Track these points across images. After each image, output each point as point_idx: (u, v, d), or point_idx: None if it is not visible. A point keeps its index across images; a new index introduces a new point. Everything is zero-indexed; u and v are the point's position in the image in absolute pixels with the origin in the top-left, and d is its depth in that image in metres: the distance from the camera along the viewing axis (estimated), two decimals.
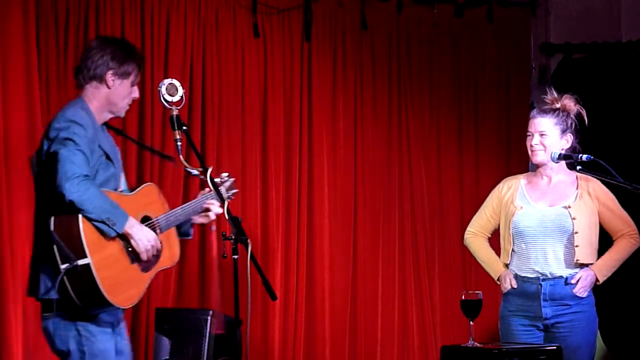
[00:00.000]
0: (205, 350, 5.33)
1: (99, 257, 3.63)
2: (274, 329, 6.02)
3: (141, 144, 4.74)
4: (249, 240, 3.60)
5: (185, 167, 3.93)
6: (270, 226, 6.07)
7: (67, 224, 3.62)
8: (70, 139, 3.68)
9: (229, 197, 4.07)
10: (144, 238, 3.71)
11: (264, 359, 6.02)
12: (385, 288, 6.43)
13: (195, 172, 3.93)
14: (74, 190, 3.59)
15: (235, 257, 3.62)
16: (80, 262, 3.59)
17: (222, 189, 4.04)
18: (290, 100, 6.21)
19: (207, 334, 5.35)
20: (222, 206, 3.86)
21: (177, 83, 3.89)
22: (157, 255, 3.80)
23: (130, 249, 3.73)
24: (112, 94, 3.86)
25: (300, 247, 6.17)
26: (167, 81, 3.89)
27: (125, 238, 3.71)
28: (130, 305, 3.77)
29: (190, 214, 3.98)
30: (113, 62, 3.84)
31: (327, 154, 6.28)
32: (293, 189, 6.16)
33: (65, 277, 3.59)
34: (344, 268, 6.32)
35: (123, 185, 3.94)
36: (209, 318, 5.37)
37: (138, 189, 3.89)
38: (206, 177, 3.79)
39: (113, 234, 3.66)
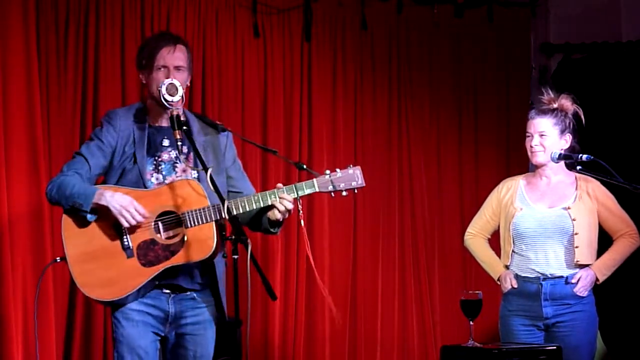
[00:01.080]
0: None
1: (79, 251, 3.79)
2: (274, 329, 6.02)
3: (245, 139, 4.71)
4: (249, 240, 3.60)
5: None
6: None
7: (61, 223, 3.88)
8: (82, 145, 3.99)
9: (349, 188, 3.95)
10: (115, 202, 3.76)
11: (264, 359, 6.02)
12: (385, 288, 6.44)
13: (308, 169, 4.01)
14: (47, 191, 3.90)
15: (235, 257, 3.62)
16: (59, 258, 3.86)
17: (329, 183, 3.92)
18: (290, 100, 6.22)
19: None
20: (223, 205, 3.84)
21: (177, 83, 3.90)
22: (172, 251, 3.80)
23: (126, 243, 3.79)
24: (149, 88, 3.98)
25: (300, 247, 6.16)
26: (167, 81, 3.89)
27: (121, 234, 3.79)
28: (114, 299, 3.81)
29: (246, 207, 3.85)
30: (137, 61, 4.03)
31: (327, 154, 6.29)
32: None
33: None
34: (344, 268, 6.32)
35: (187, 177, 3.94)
36: None
37: (166, 183, 3.89)
38: (206, 177, 3.78)
39: (89, 217, 3.77)
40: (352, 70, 6.43)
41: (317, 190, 3.92)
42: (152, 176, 3.92)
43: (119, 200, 3.77)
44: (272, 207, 3.89)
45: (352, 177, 3.95)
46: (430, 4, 6.64)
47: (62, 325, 5.37)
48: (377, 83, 6.52)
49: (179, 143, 3.84)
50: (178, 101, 3.89)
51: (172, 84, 3.88)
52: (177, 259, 3.81)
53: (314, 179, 3.92)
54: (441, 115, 6.73)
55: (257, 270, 3.59)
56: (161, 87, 3.87)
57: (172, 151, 3.95)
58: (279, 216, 3.90)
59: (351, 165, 3.98)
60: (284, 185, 3.92)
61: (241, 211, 3.85)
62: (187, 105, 5.73)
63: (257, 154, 6.05)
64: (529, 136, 4.69)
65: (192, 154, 3.92)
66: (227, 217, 3.69)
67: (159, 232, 3.84)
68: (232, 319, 3.77)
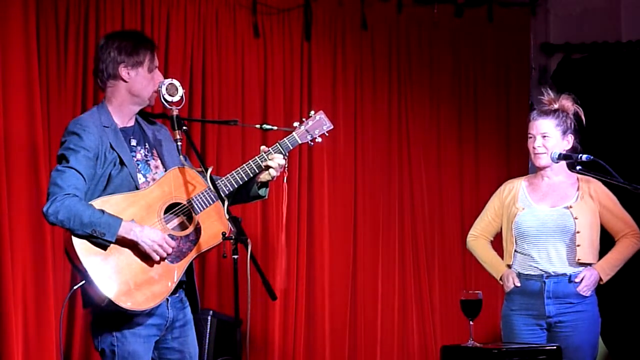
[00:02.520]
0: (205, 350, 5.33)
1: (100, 267, 3.65)
2: (274, 329, 6.02)
3: (203, 120, 4.67)
4: (249, 240, 3.59)
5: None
6: (270, 226, 6.07)
7: (68, 244, 3.70)
8: (63, 156, 3.75)
9: (322, 134, 4.06)
10: (147, 239, 3.68)
11: (264, 359, 6.02)
12: (385, 288, 6.44)
13: (271, 127, 4.07)
14: (50, 212, 3.68)
15: (235, 257, 3.62)
16: (77, 285, 3.70)
17: (306, 133, 4.02)
18: (290, 100, 6.21)
19: (207, 334, 5.35)
20: (223, 204, 3.82)
21: (177, 83, 3.89)
22: (192, 240, 3.78)
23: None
24: (131, 87, 3.87)
25: (300, 247, 6.17)
26: (167, 81, 3.89)
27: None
28: (154, 305, 3.72)
29: (243, 177, 3.90)
30: (122, 56, 3.86)
31: (327, 154, 6.28)
32: (293, 188, 6.15)
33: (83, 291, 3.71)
34: (344, 268, 6.32)
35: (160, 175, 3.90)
36: (209, 318, 5.38)
37: (159, 179, 3.85)
38: (206, 177, 3.78)
39: (107, 244, 3.65)
40: (352, 70, 6.43)
41: (299, 142, 4.04)
42: (138, 175, 3.86)
43: (150, 236, 3.68)
44: (260, 172, 3.96)
45: (321, 122, 4.08)
46: (430, 4, 6.65)
47: (62, 325, 5.36)
48: (377, 83, 6.52)
49: (179, 143, 3.83)
50: (178, 101, 3.88)
51: (172, 83, 3.87)
52: (202, 246, 3.80)
53: (294, 132, 4.03)
54: (441, 115, 6.74)
55: (257, 270, 3.59)
56: (161, 87, 3.86)
57: (141, 150, 3.90)
58: (273, 174, 3.96)
59: (313, 112, 4.09)
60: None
61: (241, 183, 3.89)
62: (187, 106, 5.76)
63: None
64: (531, 137, 4.68)
65: (154, 149, 3.91)
66: (227, 217, 3.68)
67: (172, 227, 3.80)
68: (232, 319, 3.76)
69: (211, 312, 5.42)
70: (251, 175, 3.93)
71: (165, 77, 3.96)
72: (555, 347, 4.38)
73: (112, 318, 3.75)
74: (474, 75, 6.85)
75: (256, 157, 3.94)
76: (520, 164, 6.48)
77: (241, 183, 3.91)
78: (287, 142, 4.01)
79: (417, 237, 6.58)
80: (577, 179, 4.73)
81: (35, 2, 5.33)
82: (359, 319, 6.35)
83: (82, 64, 5.50)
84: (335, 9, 6.39)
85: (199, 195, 3.82)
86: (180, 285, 3.89)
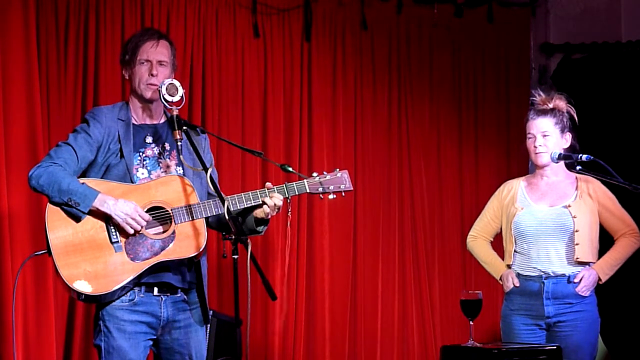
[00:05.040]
0: (205, 350, 5.32)
1: (64, 242, 3.72)
2: (274, 329, 6.02)
3: (228, 142, 4.66)
4: (249, 240, 3.59)
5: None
6: (270, 226, 6.05)
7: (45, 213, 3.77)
8: (68, 135, 3.89)
9: (337, 191, 3.98)
10: (120, 212, 3.73)
11: (264, 359, 6.02)
12: (385, 288, 6.44)
13: (292, 170, 3.98)
14: (33, 175, 3.78)
15: (235, 257, 3.62)
16: (39, 252, 3.83)
17: (318, 185, 3.95)
18: (290, 100, 6.21)
19: (207, 334, 5.35)
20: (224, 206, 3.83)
21: (177, 83, 3.90)
22: (162, 246, 3.79)
23: (114, 237, 3.76)
24: (131, 84, 4.00)
25: (300, 247, 6.17)
26: (167, 81, 3.89)
27: (107, 226, 3.75)
28: (100, 293, 3.73)
29: (236, 204, 3.87)
30: (120, 57, 4.05)
31: (327, 154, 6.29)
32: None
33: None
34: (344, 268, 6.32)
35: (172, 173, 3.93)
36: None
37: (155, 179, 3.87)
38: (206, 177, 3.78)
39: (82, 215, 3.71)
40: (352, 70, 6.43)
41: (308, 191, 3.95)
42: (138, 171, 3.89)
43: (123, 209, 3.74)
44: (257, 206, 3.91)
45: (340, 180, 3.99)
46: (430, 4, 6.65)
47: (62, 325, 5.37)
48: (377, 83, 6.52)
49: (179, 143, 3.84)
50: (178, 101, 3.88)
51: (172, 83, 3.88)
52: (168, 255, 3.80)
53: (305, 180, 3.95)
54: (441, 115, 6.73)
55: (257, 270, 3.59)
56: (161, 87, 3.87)
57: (155, 147, 3.94)
58: (267, 211, 3.90)
59: (338, 169, 4.01)
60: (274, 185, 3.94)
61: (232, 209, 3.84)
62: (187, 106, 5.76)
63: (257, 158, 6.03)
64: (530, 137, 4.69)
65: (174, 151, 3.93)
66: (227, 217, 3.68)
67: (148, 227, 3.81)
68: (232, 319, 3.76)
69: (211, 312, 5.41)
70: (246, 205, 3.89)
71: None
72: (555, 347, 4.38)
73: (100, 312, 3.81)
74: (474, 75, 6.85)
75: (257, 190, 3.91)
76: (520, 164, 6.47)
77: (232, 210, 3.84)
78: (295, 187, 3.95)
79: (417, 237, 6.58)
80: (576, 178, 4.73)
81: (35, 2, 5.34)
82: (359, 319, 6.35)
83: (82, 64, 5.50)
84: (335, 9, 6.39)
85: (185, 208, 3.83)
86: (185, 287, 3.91)
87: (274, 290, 3.66)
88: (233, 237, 3.63)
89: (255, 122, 6.09)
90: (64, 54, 5.47)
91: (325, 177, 3.97)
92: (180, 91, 3.89)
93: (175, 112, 3.86)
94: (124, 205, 3.74)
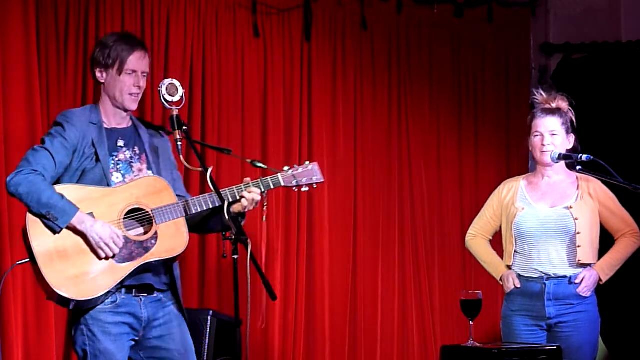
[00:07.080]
0: (205, 350, 5.33)
1: (47, 249, 3.69)
2: (274, 329, 6.02)
3: (196, 142, 4.65)
4: (249, 240, 3.59)
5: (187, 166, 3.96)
6: (270, 226, 6.06)
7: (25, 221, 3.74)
8: (42, 140, 3.84)
9: (310, 185, 4.01)
10: (95, 235, 3.71)
11: (264, 359, 6.02)
12: (385, 288, 6.44)
13: (262, 165, 4.00)
14: (12, 183, 3.74)
15: (235, 257, 3.62)
16: (19, 261, 3.80)
17: (292, 178, 3.98)
18: (290, 100, 6.21)
19: (207, 334, 5.35)
20: (223, 206, 3.82)
21: (177, 83, 3.90)
22: (145, 247, 3.78)
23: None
24: (106, 89, 3.94)
25: (300, 247, 6.17)
26: (167, 81, 3.89)
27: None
28: (91, 297, 3.72)
29: (215, 202, 3.87)
30: (97, 58, 3.93)
31: (327, 154, 6.28)
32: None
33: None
34: (344, 268, 6.32)
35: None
36: (209, 318, 5.38)
37: (131, 181, 3.86)
38: (206, 177, 3.78)
39: (57, 229, 3.69)
40: (352, 70, 6.43)
41: (282, 184, 3.98)
42: (113, 175, 3.87)
43: (99, 232, 3.71)
44: (235, 202, 3.91)
45: (311, 172, 4.02)
46: (430, 4, 6.65)
47: (62, 325, 5.36)
48: (377, 83, 6.52)
49: (179, 143, 3.84)
50: (178, 101, 3.88)
51: (172, 84, 3.88)
52: (153, 255, 3.80)
53: (279, 174, 3.98)
54: (441, 115, 6.73)
55: (257, 270, 3.59)
56: (161, 87, 3.87)
57: (127, 151, 3.93)
58: (245, 205, 3.90)
59: (309, 162, 4.05)
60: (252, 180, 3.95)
61: (211, 207, 3.86)
62: (187, 106, 5.76)
63: (256, 158, 6.00)
64: (537, 135, 4.64)
65: (144, 154, 3.93)
66: (227, 217, 3.68)
67: (130, 229, 3.81)
68: (232, 319, 3.76)
69: (211, 312, 5.42)
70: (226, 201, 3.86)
71: (165, 77, 3.98)
72: (555, 347, 4.38)
73: (81, 317, 3.78)
74: (473, 75, 6.85)
75: (233, 187, 3.91)
76: (520, 163, 6.47)
77: (211, 207, 3.87)
78: (269, 181, 3.96)
79: (417, 237, 6.58)
80: (577, 177, 4.73)
81: (35, 2, 5.33)
82: (359, 319, 6.35)
83: (82, 64, 5.50)
84: (335, 9, 6.39)
85: (165, 208, 3.83)
86: (162, 288, 3.91)
87: (274, 290, 3.66)
88: (233, 237, 3.63)
89: (255, 122, 6.09)
90: (64, 54, 5.47)
91: (297, 170, 4.01)
92: (180, 91, 3.89)
93: (175, 112, 3.86)
94: (101, 229, 3.72)
